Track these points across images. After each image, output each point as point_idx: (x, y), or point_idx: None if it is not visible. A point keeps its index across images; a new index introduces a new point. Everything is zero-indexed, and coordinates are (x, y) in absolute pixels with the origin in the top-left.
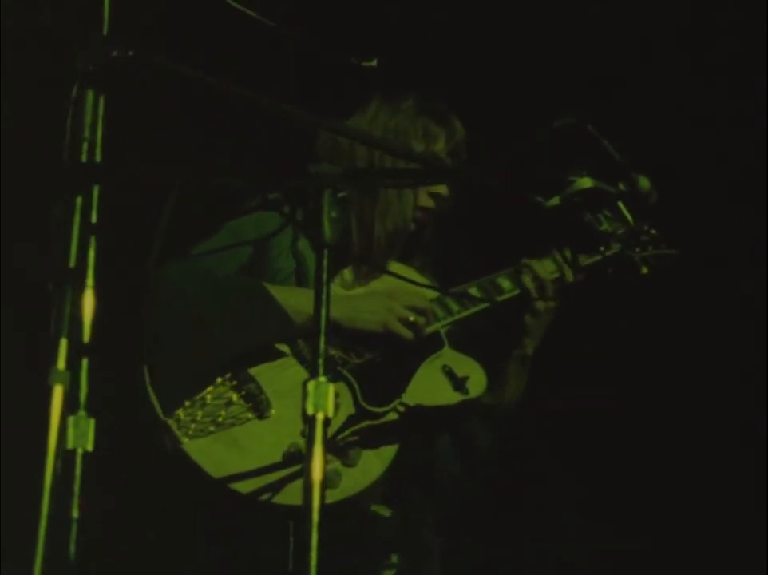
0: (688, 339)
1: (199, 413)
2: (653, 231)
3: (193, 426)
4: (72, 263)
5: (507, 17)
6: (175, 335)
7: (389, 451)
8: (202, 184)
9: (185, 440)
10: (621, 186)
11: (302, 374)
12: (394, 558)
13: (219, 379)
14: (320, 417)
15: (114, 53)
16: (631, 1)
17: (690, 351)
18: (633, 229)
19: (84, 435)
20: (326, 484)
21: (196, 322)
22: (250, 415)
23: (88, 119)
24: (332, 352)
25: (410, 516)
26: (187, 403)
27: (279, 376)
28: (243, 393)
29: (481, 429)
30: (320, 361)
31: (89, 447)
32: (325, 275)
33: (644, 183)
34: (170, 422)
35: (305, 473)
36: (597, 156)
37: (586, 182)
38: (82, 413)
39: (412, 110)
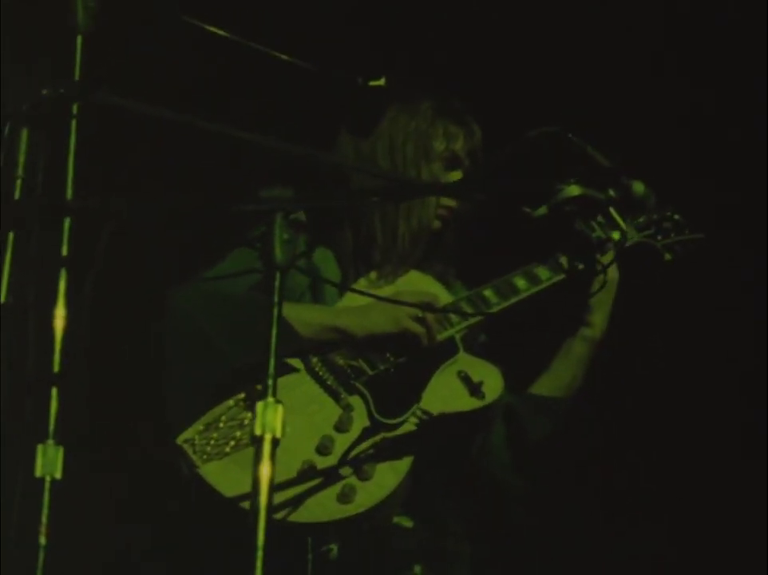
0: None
1: (214, 435)
2: (676, 217)
3: (208, 449)
4: (2, 299)
5: (506, 19)
6: (182, 354)
7: (403, 463)
8: (149, 213)
9: (201, 464)
10: (612, 192)
11: (316, 390)
12: (417, 569)
13: (231, 401)
14: (268, 437)
15: (45, 92)
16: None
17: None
18: (653, 219)
19: (52, 463)
20: (271, 508)
21: (202, 340)
22: None
23: (22, 158)
24: (344, 365)
25: (435, 525)
26: (201, 427)
27: (292, 393)
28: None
29: (536, 419)
30: (270, 382)
31: (58, 475)
32: (277, 297)
33: (639, 187)
34: (185, 446)
35: (252, 497)
36: (585, 164)
37: (574, 190)
38: (51, 441)
39: (430, 112)
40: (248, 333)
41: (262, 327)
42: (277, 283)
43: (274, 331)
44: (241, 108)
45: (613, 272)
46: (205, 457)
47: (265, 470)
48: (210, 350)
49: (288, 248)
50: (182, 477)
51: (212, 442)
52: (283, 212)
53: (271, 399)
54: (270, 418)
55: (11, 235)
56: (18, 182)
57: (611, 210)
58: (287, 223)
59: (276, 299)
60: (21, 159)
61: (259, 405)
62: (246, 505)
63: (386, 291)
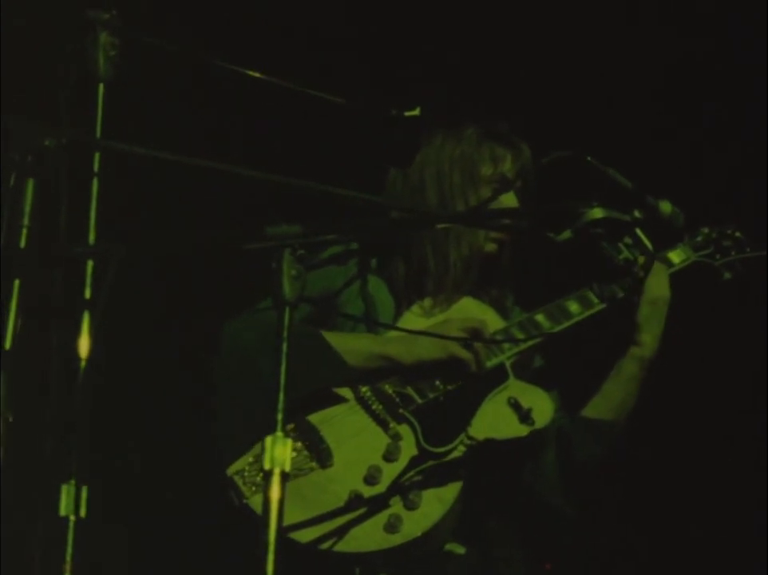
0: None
1: None
2: (737, 235)
3: (258, 480)
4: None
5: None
6: (233, 385)
7: (450, 492)
8: (152, 250)
9: (250, 495)
10: (637, 213)
11: (365, 419)
12: None
13: None
14: (276, 471)
15: (47, 142)
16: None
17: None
18: (711, 238)
19: (76, 503)
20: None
21: (253, 371)
22: (313, 465)
23: (27, 207)
24: (393, 393)
25: (488, 551)
26: (251, 459)
27: (340, 423)
28: (307, 443)
29: (585, 442)
30: (279, 416)
31: (82, 514)
32: (285, 333)
33: (666, 207)
34: (236, 477)
35: (261, 531)
36: (606, 186)
37: (597, 213)
38: (73, 481)
39: (475, 137)
40: (298, 364)
41: (312, 359)
42: (286, 319)
43: (282, 368)
44: (270, 145)
45: (663, 291)
46: (254, 488)
47: (275, 504)
48: (261, 381)
49: (296, 284)
50: (232, 508)
51: (262, 473)
52: (290, 248)
53: (279, 434)
54: (278, 452)
55: (17, 283)
56: (24, 231)
57: (638, 231)
58: (295, 258)
59: (285, 335)
60: (27, 208)
61: (268, 439)
62: (295, 536)
63: (439, 318)
